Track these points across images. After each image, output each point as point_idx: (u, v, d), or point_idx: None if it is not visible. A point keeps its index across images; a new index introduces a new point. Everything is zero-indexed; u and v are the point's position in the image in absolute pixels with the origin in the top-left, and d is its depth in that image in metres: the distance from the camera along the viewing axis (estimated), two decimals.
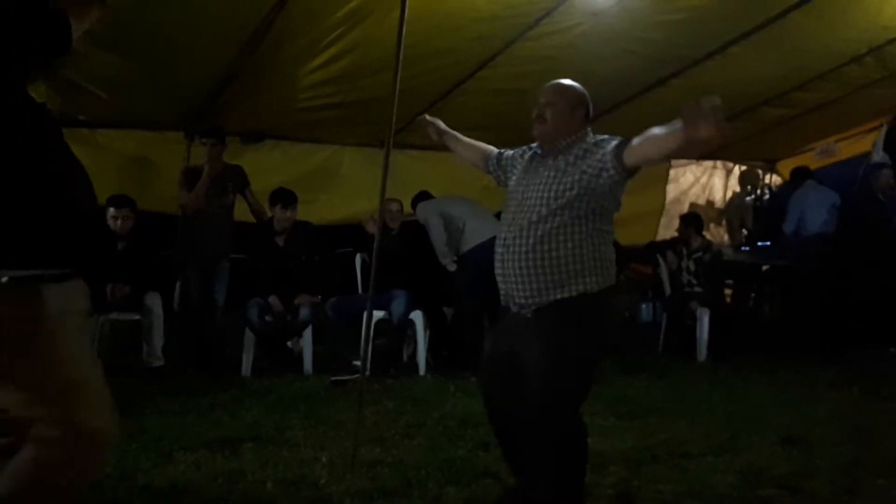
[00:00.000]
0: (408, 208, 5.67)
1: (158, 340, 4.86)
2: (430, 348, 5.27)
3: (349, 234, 5.98)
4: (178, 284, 5.34)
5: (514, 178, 2.65)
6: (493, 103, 5.40)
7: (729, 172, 7.82)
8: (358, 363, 4.03)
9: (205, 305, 5.13)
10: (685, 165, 7.59)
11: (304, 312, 4.99)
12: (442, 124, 3.01)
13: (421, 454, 3.24)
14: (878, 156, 6.34)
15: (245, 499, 2.70)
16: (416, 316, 5.14)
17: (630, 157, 2.30)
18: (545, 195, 2.40)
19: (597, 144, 2.44)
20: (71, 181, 1.81)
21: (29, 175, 1.67)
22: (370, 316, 3.27)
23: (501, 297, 2.56)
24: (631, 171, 2.36)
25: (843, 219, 6.26)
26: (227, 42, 4.12)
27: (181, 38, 4.05)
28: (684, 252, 6.05)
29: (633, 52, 4.74)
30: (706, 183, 7.73)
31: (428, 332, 5.23)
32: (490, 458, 3.21)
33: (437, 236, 5.25)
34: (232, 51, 4.21)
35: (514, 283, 2.43)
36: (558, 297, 2.37)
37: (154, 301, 4.88)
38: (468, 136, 6.24)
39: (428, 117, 3.02)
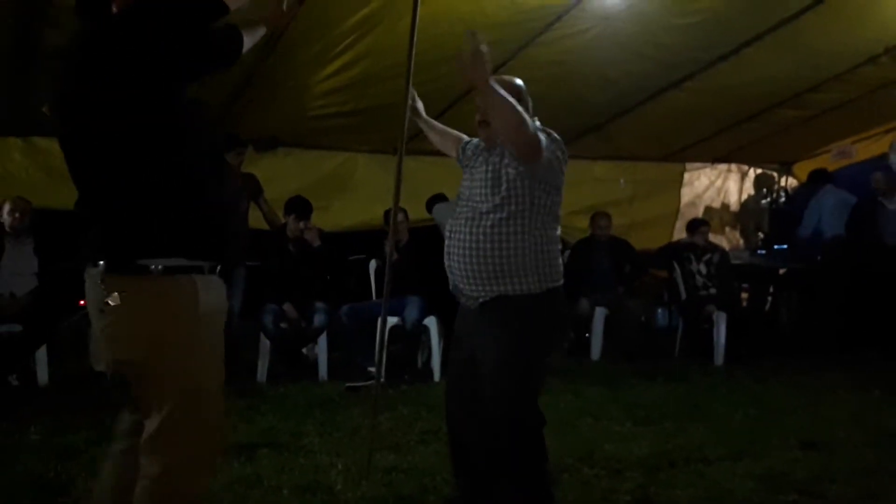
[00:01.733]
0: (420, 213, 5.65)
1: None
2: (445, 354, 5.25)
3: (363, 240, 6.00)
4: None
5: (467, 169, 2.66)
6: None
7: (744, 175, 7.76)
8: (372, 369, 4.03)
9: None
10: (700, 169, 7.55)
11: (318, 319, 5.01)
12: (420, 108, 2.99)
13: (436, 460, 3.23)
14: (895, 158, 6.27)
15: None
16: (431, 322, 5.14)
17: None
18: (484, 190, 2.43)
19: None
20: (221, 178, 1.89)
21: (186, 171, 1.78)
22: (384, 322, 3.27)
23: (451, 289, 2.59)
24: (524, 159, 2.34)
25: (858, 221, 6.19)
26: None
27: None
28: (692, 257, 6.02)
29: (645, 55, 4.72)
30: (721, 186, 7.67)
31: (442, 339, 5.22)
32: None
33: None
34: (246, 58, 4.23)
35: (458, 275, 2.48)
36: (500, 292, 2.39)
37: None
38: None
39: (412, 100, 2.97)
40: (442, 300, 5.35)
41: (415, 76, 3.17)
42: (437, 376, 5.05)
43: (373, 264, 5.60)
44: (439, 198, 5.52)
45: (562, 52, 4.55)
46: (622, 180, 7.04)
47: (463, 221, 2.46)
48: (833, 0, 4.25)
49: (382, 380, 3.38)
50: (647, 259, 6.48)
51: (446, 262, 2.54)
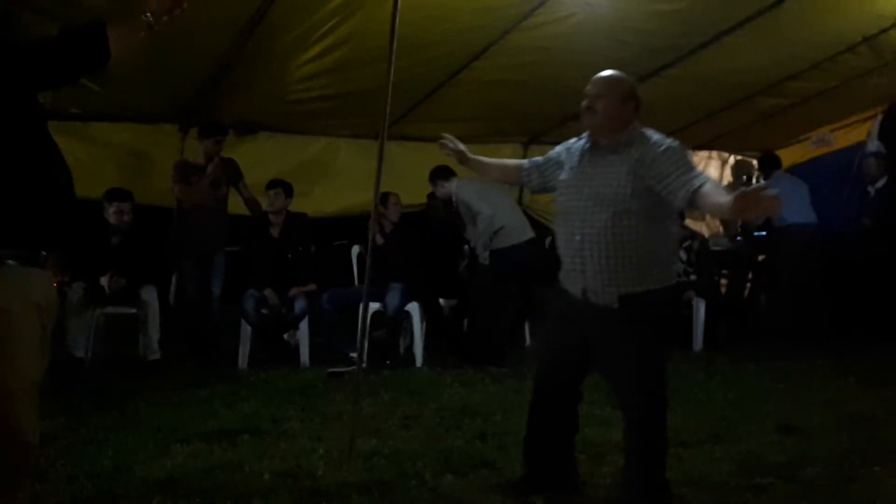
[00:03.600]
0: (407, 198, 5.61)
1: (155, 333, 4.85)
2: (427, 340, 5.26)
3: (345, 226, 5.98)
4: (174, 278, 5.33)
5: (564, 174, 2.66)
6: (488, 94, 5.39)
7: (724, 162, 7.81)
8: (354, 355, 4.03)
9: (200, 298, 5.12)
10: None
11: (300, 305, 5.00)
12: (464, 149, 2.99)
13: (418, 445, 3.25)
14: (874, 145, 6.33)
15: (242, 490, 2.70)
16: (413, 308, 5.14)
17: (690, 205, 2.37)
18: (622, 189, 2.44)
19: (663, 153, 2.43)
20: (38, 159, 1.78)
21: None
22: (366, 308, 3.26)
23: (571, 289, 2.59)
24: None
25: (839, 208, 6.25)
26: (219, 34, 4.10)
27: (174, 29, 4.01)
28: None
29: (628, 42, 4.71)
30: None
31: (424, 324, 5.23)
32: (487, 447, 3.23)
33: (485, 228, 5.09)
34: (225, 43, 4.19)
35: (593, 276, 2.49)
36: (639, 289, 2.46)
37: (150, 294, 4.87)
38: (462, 127, 6.23)
39: (448, 142, 2.99)
40: (424, 286, 5.36)
41: (397, 60, 3.15)
42: (419, 362, 5.06)
43: (355, 250, 5.58)
44: (447, 170, 5.39)
45: (545, 38, 4.54)
46: None
47: (599, 225, 2.46)
48: None
49: (364, 365, 3.38)
50: None
51: (576, 266, 2.54)
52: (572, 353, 2.63)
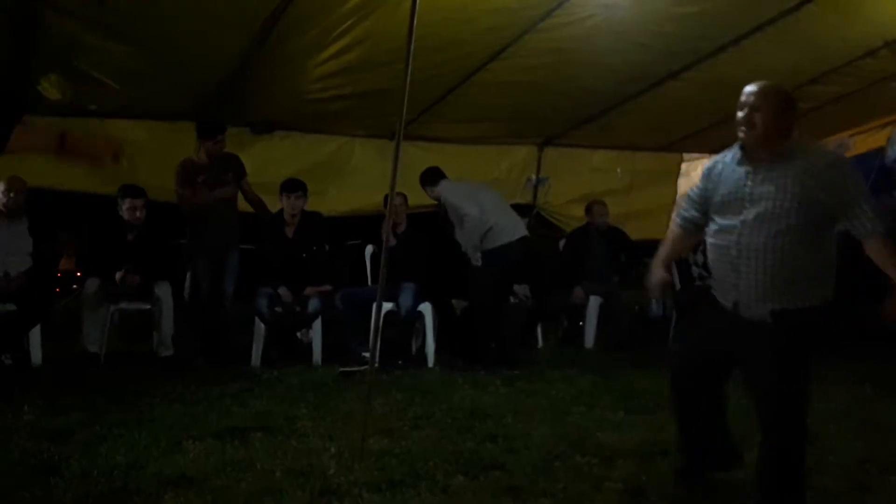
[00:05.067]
0: (420, 199, 5.61)
1: (168, 330, 4.88)
2: (439, 341, 5.26)
3: (359, 225, 5.99)
4: (188, 275, 5.37)
5: (722, 188, 2.60)
6: (504, 95, 5.38)
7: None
8: (366, 354, 4.03)
9: (214, 296, 5.15)
10: (697, 159, 7.52)
11: (313, 304, 5.01)
12: (660, 270, 2.90)
13: (429, 445, 3.25)
14: (894, 151, 6.26)
15: (254, 487, 2.71)
16: (426, 308, 5.14)
17: (866, 244, 2.40)
18: (787, 203, 2.41)
19: (831, 165, 2.44)
20: None
21: None
22: (379, 308, 3.26)
23: (722, 300, 2.61)
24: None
25: None
26: (237, 32, 4.12)
27: (192, 28, 4.05)
28: None
29: (646, 45, 4.70)
30: None
31: (437, 325, 5.22)
32: (498, 449, 3.22)
33: (473, 229, 5.05)
34: (243, 41, 4.21)
35: (746, 290, 2.48)
36: (792, 306, 2.45)
37: (164, 291, 4.91)
38: (478, 129, 6.21)
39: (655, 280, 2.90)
40: (436, 287, 5.36)
41: (414, 61, 3.15)
42: (430, 362, 5.06)
43: (369, 249, 5.58)
44: (437, 172, 5.40)
45: (562, 40, 4.52)
46: (619, 170, 7.03)
47: (763, 238, 2.44)
48: None
49: (376, 365, 3.38)
50: (643, 248, 6.48)
51: (731, 279, 2.54)
52: (715, 359, 2.66)
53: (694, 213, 2.76)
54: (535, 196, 6.95)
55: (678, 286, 6.06)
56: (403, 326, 5.17)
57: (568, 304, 6.08)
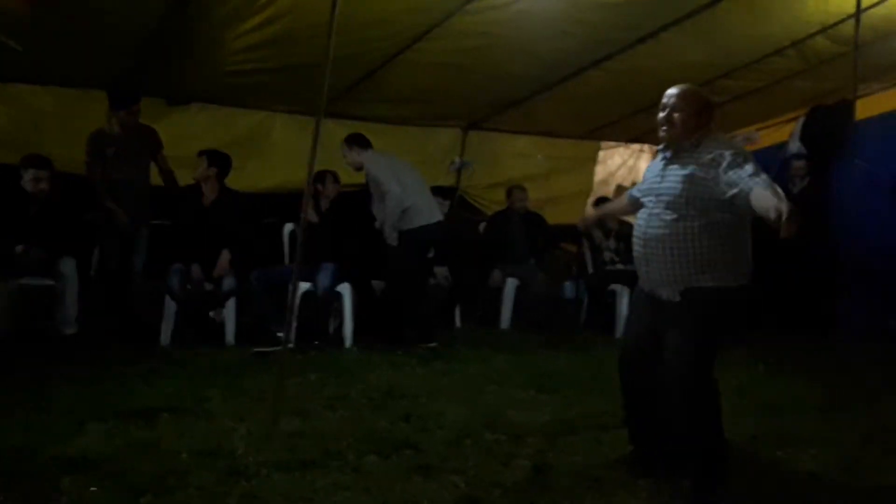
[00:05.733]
0: (350, 178, 5.54)
1: (72, 307, 4.67)
2: (358, 322, 5.23)
3: (281, 203, 5.86)
4: (96, 250, 5.14)
5: (644, 183, 2.85)
6: (429, 77, 5.37)
7: (655, 156, 8.00)
8: (282, 335, 3.97)
9: (123, 272, 4.96)
10: (613, 148, 7.75)
11: (227, 282, 4.89)
12: (592, 215, 3.27)
13: (342, 425, 3.25)
14: (795, 146, 6.61)
15: (158, 469, 2.64)
16: (345, 289, 5.09)
17: (745, 204, 2.44)
18: (683, 194, 2.57)
19: (729, 163, 2.51)
20: None
21: None
22: (295, 287, 3.22)
23: (641, 282, 2.77)
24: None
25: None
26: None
27: None
28: (601, 233, 6.22)
29: (569, 32, 4.77)
30: (633, 165, 7.91)
31: (355, 306, 5.19)
32: (411, 428, 3.26)
33: (394, 207, 4.98)
34: (160, 6, 4.03)
35: (657, 276, 2.65)
36: (699, 285, 2.58)
37: (69, 266, 4.68)
38: (404, 109, 6.15)
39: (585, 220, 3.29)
40: (357, 268, 5.32)
41: (339, 37, 3.10)
42: (348, 343, 5.03)
43: (287, 228, 5.48)
44: (363, 139, 5.27)
45: (488, 24, 4.54)
46: (540, 156, 7.15)
47: (662, 224, 2.61)
48: None
49: (291, 345, 3.34)
50: (559, 233, 6.64)
51: (643, 265, 2.70)
52: (649, 340, 2.76)
53: (636, 194, 2.97)
54: (458, 179, 6.98)
55: (590, 269, 6.24)
56: (320, 306, 5.11)
57: (486, 286, 6.17)
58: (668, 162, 2.70)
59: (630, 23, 4.76)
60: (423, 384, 4.05)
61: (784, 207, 2.16)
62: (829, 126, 6.29)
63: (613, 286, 5.94)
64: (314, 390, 3.82)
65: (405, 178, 5.11)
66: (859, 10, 4.21)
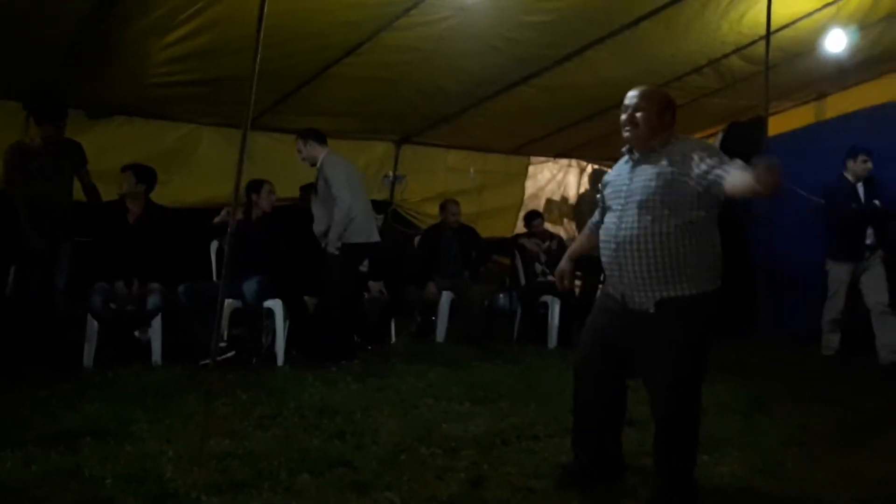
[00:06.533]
0: (282, 192, 5.45)
1: None
2: (290, 338, 5.15)
3: (207, 217, 5.72)
4: (12, 268, 4.90)
5: (609, 187, 2.79)
6: (361, 91, 5.38)
7: (582, 171, 8.24)
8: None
9: (42, 291, 4.74)
10: (543, 163, 7.93)
11: (153, 300, 4.73)
12: (567, 267, 3.09)
13: (274, 445, 3.19)
14: None
15: (80, 497, 2.54)
16: (276, 305, 5.00)
17: (720, 192, 2.48)
18: (656, 194, 2.55)
19: (700, 156, 2.54)
20: None
21: None
22: (222, 302, 3.15)
23: (611, 292, 2.72)
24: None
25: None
26: (69, 9, 3.81)
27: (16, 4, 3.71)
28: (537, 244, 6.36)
29: (498, 49, 4.87)
30: (562, 180, 8.11)
31: (287, 322, 5.12)
32: (345, 446, 3.22)
33: (342, 216, 4.87)
34: (74, 20, 3.90)
35: (631, 280, 2.60)
36: (676, 294, 2.54)
37: None
38: (336, 122, 6.09)
39: (562, 272, 3.09)
40: (289, 283, 5.24)
41: (268, 50, 3.08)
42: (280, 360, 4.94)
43: (214, 244, 5.35)
44: (322, 134, 5.16)
45: (418, 39, 4.59)
46: (472, 170, 7.24)
47: (635, 231, 2.58)
48: (665, 13, 4.62)
49: (219, 363, 3.27)
50: (491, 246, 6.73)
51: (614, 271, 2.66)
52: (613, 351, 2.74)
53: (598, 218, 2.94)
54: (392, 193, 6.99)
55: (523, 282, 6.35)
56: (247, 318, 4.99)
57: (421, 300, 6.18)
58: (637, 163, 2.69)
59: (556, 41, 4.91)
60: (358, 400, 4.01)
61: (759, 169, 2.21)
62: (745, 141, 6.59)
63: (545, 297, 6.05)
64: (245, 410, 3.73)
65: (357, 189, 5.07)
66: (769, 32, 4.45)
